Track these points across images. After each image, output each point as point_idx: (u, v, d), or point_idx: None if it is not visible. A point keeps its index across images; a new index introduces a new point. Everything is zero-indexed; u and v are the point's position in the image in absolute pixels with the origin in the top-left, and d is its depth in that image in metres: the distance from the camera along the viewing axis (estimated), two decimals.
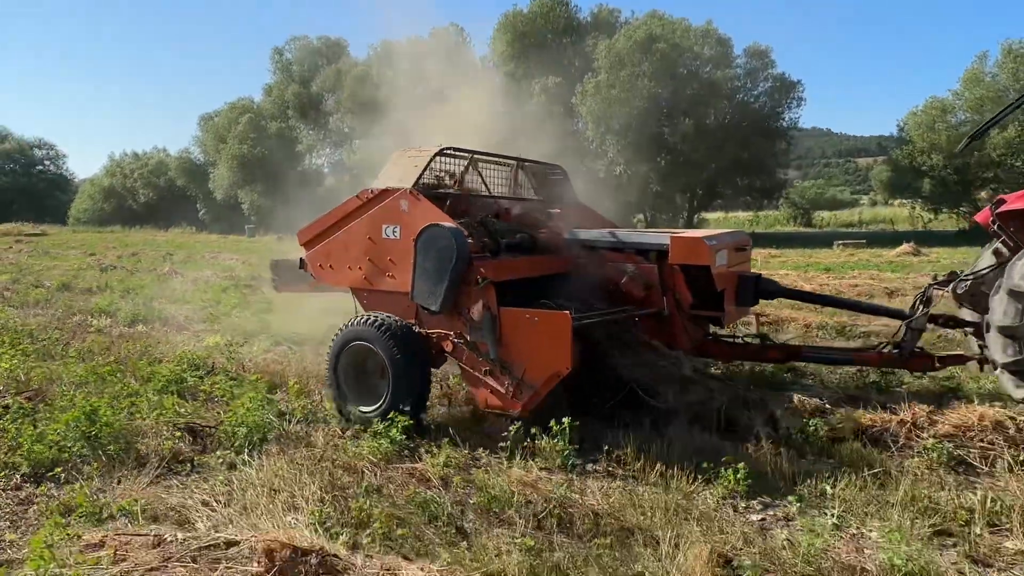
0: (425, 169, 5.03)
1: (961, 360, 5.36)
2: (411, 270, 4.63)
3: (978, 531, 3.01)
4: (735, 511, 3.30)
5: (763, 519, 3.24)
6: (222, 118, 50.65)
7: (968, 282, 5.35)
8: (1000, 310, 4.63)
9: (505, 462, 4.01)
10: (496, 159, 6.07)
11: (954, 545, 2.99)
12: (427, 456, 4.12)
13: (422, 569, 2.48)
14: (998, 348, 4.71)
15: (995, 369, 4.83)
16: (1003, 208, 5.15)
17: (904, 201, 33.67)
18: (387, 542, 2.87)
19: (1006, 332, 4.59)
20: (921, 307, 5.35)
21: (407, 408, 4.54)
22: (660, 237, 5.18)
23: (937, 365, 5.28)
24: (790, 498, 3.38)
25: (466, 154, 5.64)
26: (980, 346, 5.37)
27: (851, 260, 18.00)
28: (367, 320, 4.78)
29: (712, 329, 5.79)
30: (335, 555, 2.48)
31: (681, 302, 5.12)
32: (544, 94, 36.04)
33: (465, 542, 2.88)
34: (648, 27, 33.66)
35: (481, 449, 4.31)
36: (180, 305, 10.61)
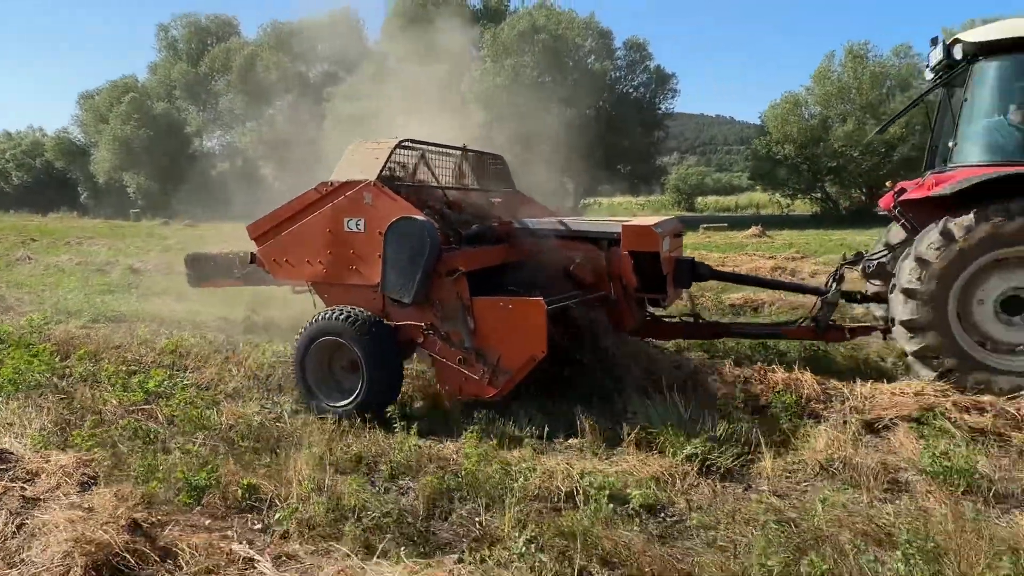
0: (387, 161, 5.00)
1: (868, 331, 6.00)
2: (377, 263, 4.67)
3: None
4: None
5: None
6: (103, 97, 48.23)
7: (876, 261, 6.03)
8: (906, 273, 5.12)
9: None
10: (444, 150, 6.09)
11: None
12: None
13: None
14: (898, 306, 5.21)
15: (894, 324, 5.33)
16: (904, 197, 5.72)
17: (766, 188, 36.40)
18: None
19: (907, 292, 5.07)
20: (834, 284, 5.93)
21: (381, 400, 4.62)
22: (611, 225, 5.40)
23: (848, 336, 5.89)
24: None
25: (421, 146, 5.69)
26: (882, 318, 6.06)
27: (707, 242, 19.85)
28: (337, 315, 4.72)
29: (650, 310, 6.12)
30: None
31: (627, 286, 5.34)
32: (434, 80, 36.66)
33: None
34: (533, 17, 34.84)
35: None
36: (17, 288, 10.88)
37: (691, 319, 6.18)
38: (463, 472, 3.69)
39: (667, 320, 6.26)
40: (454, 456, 4.08)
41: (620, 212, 37.96)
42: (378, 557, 2.74)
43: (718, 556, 2.87)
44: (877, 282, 6.19)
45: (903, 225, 5.87)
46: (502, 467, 3.69)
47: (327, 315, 4.79)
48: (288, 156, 41.11)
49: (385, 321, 4.75)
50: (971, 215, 4.90)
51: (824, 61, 32.70)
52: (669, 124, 40.17)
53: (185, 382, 5.56)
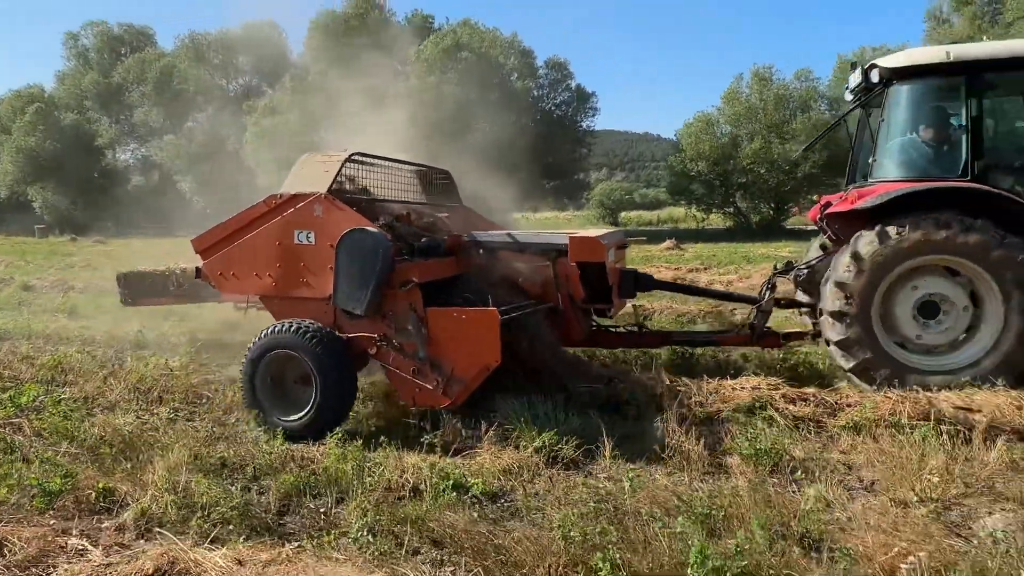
0: (337, 174, 5.02)
1: (800, 336, 6.35)
2: (328, 275, 4.69)
3: None
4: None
5: None
6: (5, 107, 45.88)
7: (805, 271, 6.32)
8: (829, 298, 5.42)
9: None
10: (392, 164, 6.14)
11: None
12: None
13: None
14: (828, 329, 5.48)
15: (828, 345, 5.60)
16: (830, 210, 5.97)
17: (683, 203, 37.90)
18: None
19: (834, 316, 5.37)
20: (768, 293, 6.25)
21: (335, 413, 4.68)
22: (558, 238, 5.53)
23: (782, 342, 6.19)
24: None
25: (371, 160, 5.72)
26: (813, 323, 6.28)
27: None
28: (290, 328, 4.72)
29: (596, 320, 6.27)
30: None
31: (574, 297, 5.47)
32: (358, 96, 36.60)
33: None
34: (457, 35, 35.36)
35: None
36: None
37: (635, 328, 6.38)
38: (320, 470, 3.90)
39: (612, 330, 6.43)
40: (319, 457, 4.28)
41: (549, 227, 38.72)
42: (210, 543, 2.93)
43: (533, 531, 3.19)
44: (806, 291, 6.47)
45: (829, 237, 6.22)
46: (358, 464, 3.92)
47: (278, 328, 4.77)
48: (207, 170, 40.22)
49: (337, 333, 4.77)
50: (890, 227, 5.25)
51: (733, 83, 34.47)
52: (597, 141, 41.46)
53: (62, 396, 5.54)
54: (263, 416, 4.84)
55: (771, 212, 34.12)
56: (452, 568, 3.00)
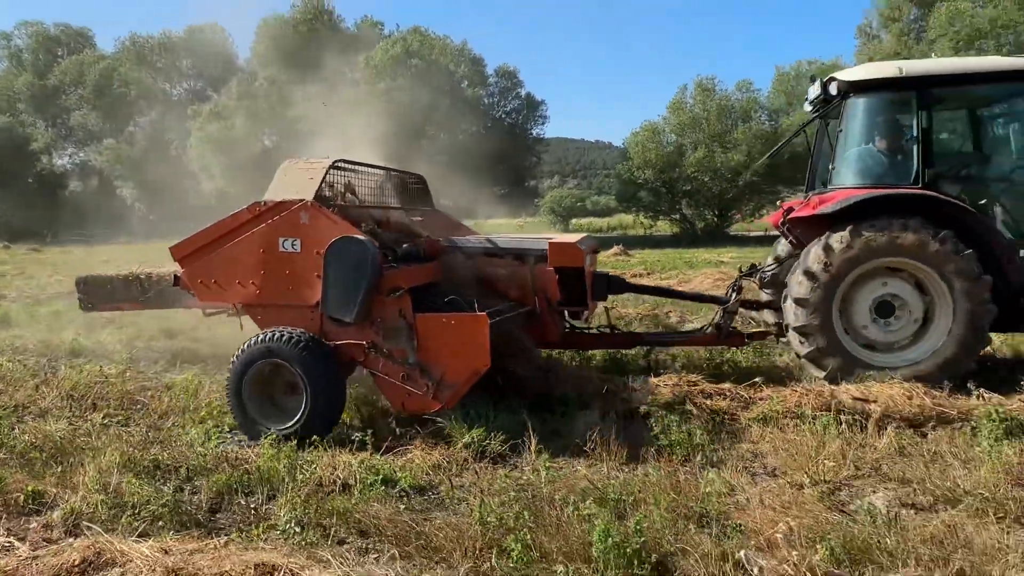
0: (322, 181, 5.00)
1: (763, 336, 6.73)
2: (314, 283, 4.70)
3: None
4: None
5: None
6: None
7: (769, 273, 6.67)
8: (797, 285, 5.72)
9: None
10: (369, 169, 6.15)
11: None
12: None
13: None
14: (791, 315, 5.77)
15: (787, 331, 5.91)
16: (793, 215, 6.28)
17: (631, 209, 38.69)
18: None
19: (799, 302, 5.66)
20: (734, 294, 6.54)
21: (325, 420, 4.68)
22: (538, 243, 5.65)
23: (747, 341, 6.55)
24: None
25: (356, 166, 5.74)
26: (776, 323, 6.72)
27: None
28: (278, 336, 4.68)
29: (569, 322, 6.42)
30: None
31: (551, 300, 5.60)
32: (308, 102, 36.32)
33: None
34: (407, 42, 35.42)
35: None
36: None
37: (607, 330, 6.56)
38: (254, 469, 4.02)
39: (586, 332, 6.58)
40: (254, 458, 4.39)
41: (502, 233, 38.93)
42: (138, 537, 3.04)
43: (453, 518, 3.39)
44: (770, 291, 6.82)
45: (791, 241, 6.51)
46: (290, 463, 4.05)
47: (265, 338, 4.73)
48: (150, 176, 39.23)
49: (325, 341, 4.78)
50: (847, 231, 5.52)
51: (678, 93, 35.44)
52: (549, 148, 42.05)
53: None
54: (251, 425, 4.79)
55: (715, 219, 35.15)
56: (376, 555, 3.18)
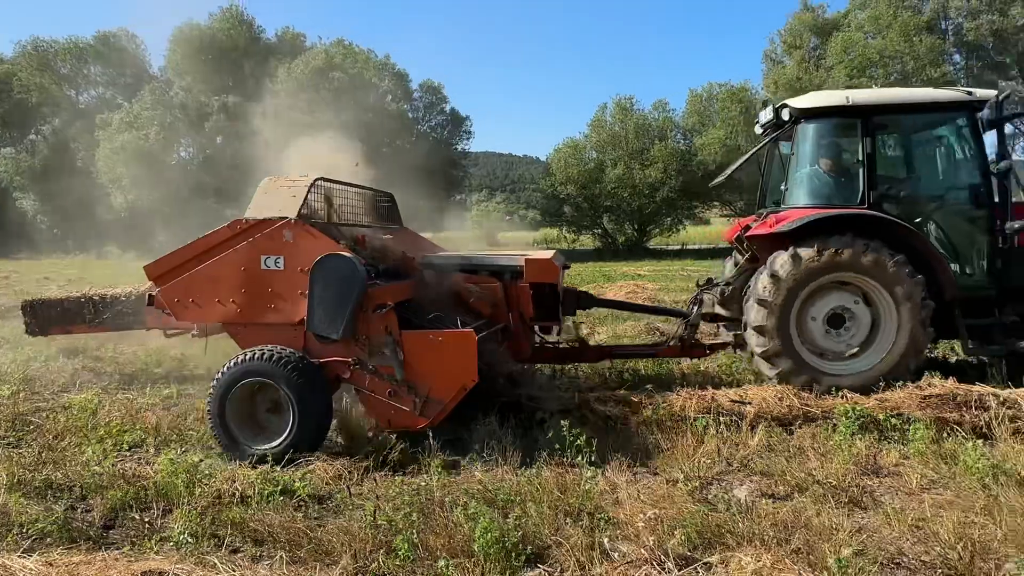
0: (305, 199, 4.96)
1: (723, 347, 7.06)
2: (298, 300, 4.71)
3: None
4: None
5: None
6: None
7: (727, 288, 6.89)
8: (752, 314, 6.01)
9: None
10: (344, 186, 6.07)
11: None
12: None
13: None
14: (753, 341, 6.05)
15: (753, 357, 6.16)
16: (751, 232, 6.54)
17: (555, 224, 39.51)
18: None
19: (758, 330, 5.97)
20: (695, 308, 6.86)
21: (313, 437, 4.67)
22: (513, 259, 5.73)
23: (708, 352, 6.85)
24: None
25: (334, 184, 5.68)
26: (734, 335, 6.94)
27: None
28: (264, 355, 4.65)
29: (539, 337, 6.49)
30: None
31: (524, 315, 5.68)
32: (224, 113, 35.42)
33: None
34: (329, 55, 35.10)
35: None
36: None
37: (576, 344, 6.68)
38: (151, 484, 4.05)
39: (557, 346, 6.67)
40: (152, 473, 4.40)
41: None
42: (23, 553, 3.06)
43: (346, 523, 3.55)
44: (727, 306, 7.02)
45: (748, 258, 6.86)
46: (188, 477, 4.10)
47: (250, 356, 4.69)
48: (54, 187, 37.16)
49: (309, 359, 4.76)
50: (806, 247, 5.87)
51: (598, 111, 36.59)
52: (479, 162, 42.45)
53: None
54: (234, 445, 4.73)
55: (635, 233, 36.33)
56: (268, 561, 3.30)
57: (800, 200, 6.41)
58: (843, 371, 5.99)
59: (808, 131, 6.44)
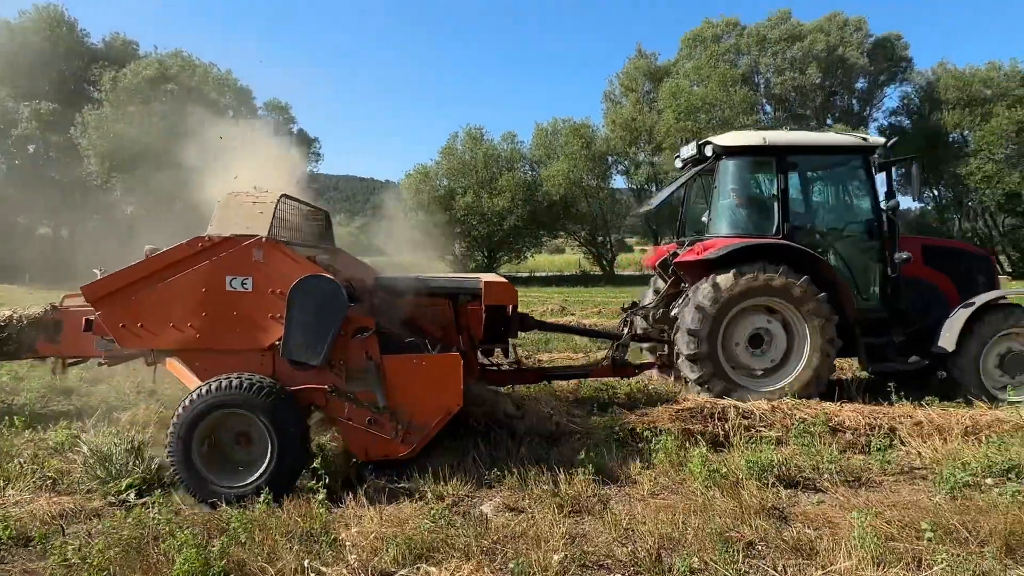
0: (274, 216, 4.58)
1: (650, 366, 7.35)
2: (269, 324, 4.39)
3: None
4: None
5: None
6: None
7: (657, 310, 7.25)
8: (689, 318, 6.39)
9: None
10: (292, 202, 5.52)
11: None
12: None
13: None
14: (683, 344, 6.42)
15: (678, 359, 6.52)
16: (679, 259, 6.97)
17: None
18: None
19: (691, 333, 6.34)
20: (626, 330, 7.14)
21: (292, 470, 4.32)
22: (470, 281, 5.62)
23: (636, 372, 7.05)
24: None
25: (294, 202, 5.30)
26: (659, 355, 7.36)
27: None
28: (239, 384, 4.26)
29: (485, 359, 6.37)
30: None
31: (474, 338, 5.59)
32: (36, 120, 32.11)
33: None
34: (164, 65, 32.98)
35: None
36: None
37: (515, 365, 6.64)
38: None
39: (499, 369, 6.60)
40: None
41: None
42: None
43: (38, 564, 3.24)
44: (650, 326, 7.42)
45: (672, 281, 7.34)
46: None
47: (223, 385, 4.27)
48: None
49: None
50: (731, 274, 6.34)
51: (449, 139, 37.18)
52: (337, 186, 41.27)
53: None
54: (202, 485, 4.27)
55: (484, 259, 37.02)
56: None
57: (723, 230, 6.93)
58: (761, 387, 6.48)
59: (729, 167, 6.97)
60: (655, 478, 4.71)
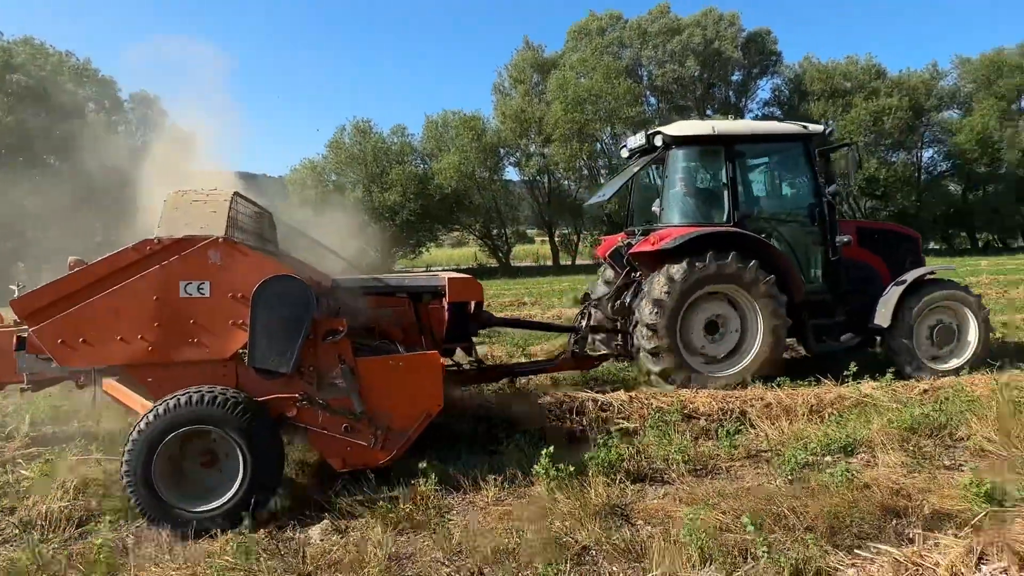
0: (228, 214, 4.22)
1: (607, 357, 7.29)
2: (229, 332, 4.06)
3: None
4: None
5: None
6: None
7: (613, 301, 7.25)
8: (646, 311, 6.40)
9: None
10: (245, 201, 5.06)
11: None
12: None
13: None
14: (642, 337, 6.44)
15: (639, 352, 6.56)
16: (634, 250, 6.94)
17: None
18: None
19: (650, 327, 6.35)
20: (584, 323, 7.22)
21: (267, 488, 3.98)
22: (433, 279, 5.45)
23: (596, 363, 7.08)
24: None
25: (255, 205, 5.01)
26: (615, 344, 7.39)
27: None
28: (205, 398, 3.87)
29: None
30: None
31: (436, 337, 5.37)
32: None
33: None
34: (9, 54, 29.88)
35: None
36: None
37: (476, 364, 6.36)
38: None
39: (461, 368, 6.29)
40: None
41: None
42: None
43: None
44: (605, 316, 7.47)
45: (627, 271, 7.38)
46: None
47: (189, 400, 3.87)
48: None
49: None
50: (685, 263, 6.38)
51: (337, 133, 35.92)
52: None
53: None
54: (164, 511, 3.85)
55: (377, 256, 36.10)
56: None
57: (675, 219, 6.93)
58: (719, 371, 6.61)
59: (678, 157, 6.96)
60: (502, 483, 4.48)
